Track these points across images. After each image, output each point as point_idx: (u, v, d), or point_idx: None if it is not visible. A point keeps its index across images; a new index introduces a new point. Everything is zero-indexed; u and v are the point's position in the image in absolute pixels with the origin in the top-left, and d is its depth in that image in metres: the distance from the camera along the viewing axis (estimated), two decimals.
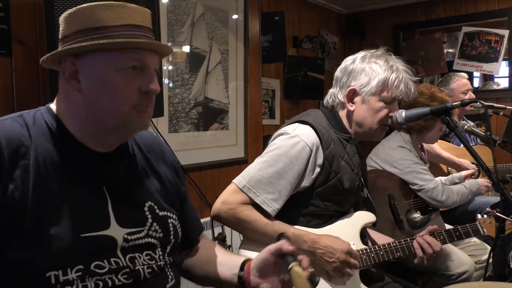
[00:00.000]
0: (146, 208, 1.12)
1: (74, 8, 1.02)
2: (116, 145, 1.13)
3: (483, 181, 2.58)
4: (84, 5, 1.01)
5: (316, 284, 1.04)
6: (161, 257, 1.12)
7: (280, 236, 1.14)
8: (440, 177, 2.60)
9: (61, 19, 1.04)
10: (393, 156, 2.45)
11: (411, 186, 2.42)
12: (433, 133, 2.52)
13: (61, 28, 1.05)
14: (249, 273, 1.17)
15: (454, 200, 2.42)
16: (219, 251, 1.33)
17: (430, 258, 1.76)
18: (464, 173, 2.63)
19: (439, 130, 2.54)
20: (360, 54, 1.75)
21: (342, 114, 1.76)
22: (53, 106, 1.10)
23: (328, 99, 1.80)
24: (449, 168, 3.08)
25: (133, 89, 1.02)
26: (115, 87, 1.01)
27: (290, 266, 1.04)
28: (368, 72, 1.69)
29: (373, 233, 1.93)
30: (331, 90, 1.80)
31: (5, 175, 0.94)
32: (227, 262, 1.26)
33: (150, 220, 1.12)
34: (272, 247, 1.12)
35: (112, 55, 1.00)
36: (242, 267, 1.20)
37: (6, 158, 0.94)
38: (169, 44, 2.86)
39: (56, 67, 1.08)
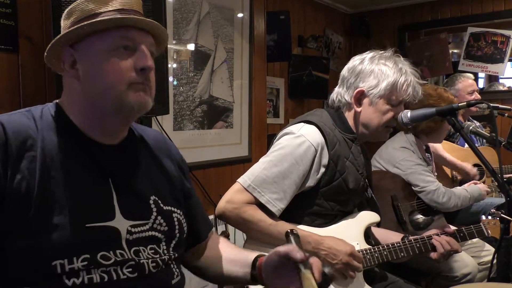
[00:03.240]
0: (151, 202, 1.13)
1: (70, 5, 1.07)
2: (120, 133, 1.13)
3: (484, 186, 2.57)
4: (77, 1, 1.06)
5: (330, 283, 1.04)
6: (165, 251, 1.13)
7: (289, 234, 1.12)
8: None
9: (62, 18, 1.09)
10: (396, 156, 2.45)
11: (413, 187, 2.42)
12: (440, 134, 2.52)
13: (62, 26, 1.09)
14: (261, 271, 1.18)
15: (455, 203, 2.40)
16: (229, 248, 1.34)
17: (447, 256, 1.79)
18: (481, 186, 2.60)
19: (446, 129, 2.54)
20: (369, 54, 1.73)
21: (348, 115, 1.76)
22: (60, 101, 1.12)
23: (334, 98, 1.78)
24: (453, 171, 3.07)
25: (127, 67, 1.03)
26: (109, 67, 1.02)
27: (300, 273, 1.03)
28: (377, 74, 1.67)
29: (380, 231, 1.93)
30: (337, 89, 1.79)
31: (12, 166, 0.96)
32: (239, 260, 1.27)
33: (155, 214, 1.12)
34: (281, 250, 1.10)
35: (102, 37, 1.03)
36: (254, 264, 1.21)
37: (13, 150, 0.97)
38: (174, 42, 2.87)
39: (58, 66, 1.10)
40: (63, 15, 1.09)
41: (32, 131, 1.02)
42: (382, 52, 1.73)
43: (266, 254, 1.20)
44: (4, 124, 0.99)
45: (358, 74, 1.71)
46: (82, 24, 1.02)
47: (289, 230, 1.14)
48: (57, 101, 1.13)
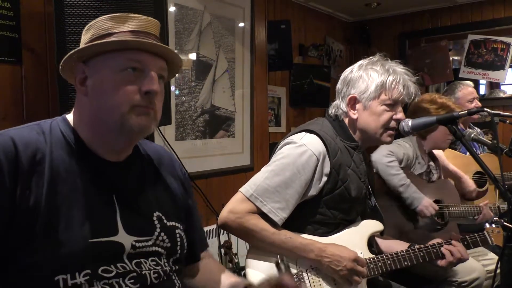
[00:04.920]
0: (154, 218, 1.14)
1: (92, 21, 1.10)
2: (125, 151, 1.15)
3: (427, 201, 2.37)
4: (98, 18, 1.09)
5: None
6: (166, 264, 1.14)
7: (279, 263, 1.15)
8: None
9: (83, 32, 1.12)
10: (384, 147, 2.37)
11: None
12: (440, 136, 2.50)
13: (81, 41, 1.12)
14: None
15: (396, 176, 2.30)
16: (220, 273, 1.35)
17: (454, 264, 1.79)
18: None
19: (447, 133, 2.50)
20: (357, 63, 1.78)
21: (347, 122, 1.78)
22: (69, 116, 1.14)
23: (331, 110, 1.82)
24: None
25: (132, 89, 1.04)
26: (115, 86, 1.04)
27: None
28: (365, 78, 1.72)
29: (385, 241, 1.92)
30: (334, 102, 1.82)
31: (22, 181, 0.97)
32: (227, 285, 1.29)
33: (158, 230, 1.13)
34: (272, 280, 1.13)
35: (112, 56, 1.05)
36: None
37: (24, 165, 0.98)
38: (176, 51, 2.88)
39: (72, 80, 1.12)
40: (84, 29, 1.11)
41: (41, 145, 1.03)
42: (370, 58, 1.78)
43: (254, 283, 1.22)
44: (15, 138, 1.00)
45: (349, 82, 1.75)
46: (93, 43, 1.04)
47: (279, 260, 1.17)
48: (66, 115, 1.14)
